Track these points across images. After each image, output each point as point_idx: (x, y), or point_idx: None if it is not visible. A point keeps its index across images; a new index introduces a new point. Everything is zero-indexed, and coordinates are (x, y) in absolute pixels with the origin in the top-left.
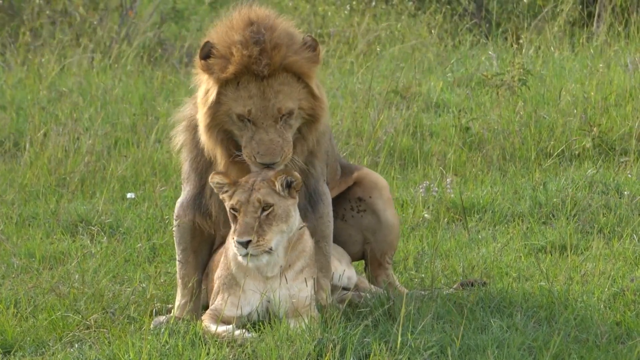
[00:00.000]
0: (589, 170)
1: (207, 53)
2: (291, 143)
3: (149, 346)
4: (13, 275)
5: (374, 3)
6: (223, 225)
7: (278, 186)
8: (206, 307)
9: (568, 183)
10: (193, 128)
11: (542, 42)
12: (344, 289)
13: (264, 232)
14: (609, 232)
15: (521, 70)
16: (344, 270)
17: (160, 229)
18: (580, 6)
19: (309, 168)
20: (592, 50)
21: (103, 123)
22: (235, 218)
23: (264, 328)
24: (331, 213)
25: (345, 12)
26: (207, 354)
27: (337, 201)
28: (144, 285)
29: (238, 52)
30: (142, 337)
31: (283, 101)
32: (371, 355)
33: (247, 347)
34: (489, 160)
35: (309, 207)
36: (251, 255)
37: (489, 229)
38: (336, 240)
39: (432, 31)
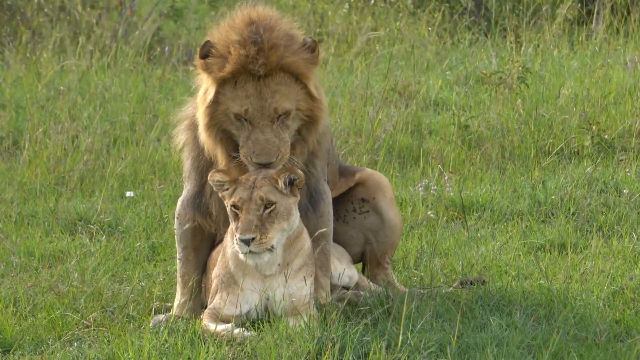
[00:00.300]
0: (588, 169)
1: (206, 52)
2: (288, 143)
3: (148, 345)
4: (12, 274)
5: (372, 1)
6: (223, 224)
7: (281, 184)
8: (203, 306)
9: (567, 181)
10: (194, 127)
11: (541, 40)
12: (345, 288)
13: (266, 230)
14: (608, 231)
15: (520, 68)
16: (344, 269)
17: (160, 227)
18: (580, 4)
19: (310, 167)
20: (591, 49)
21: (102, 121)
22: (236, 216)
23: (263, 327)
24: (332, 212)
25: (344, 10)
26: (207, 352)
27: (338, 203)
28: (143, 284)
29: (236, 52)
30: (142, 335)
31: (280, 101)
32: (370, 354)
33: (246, 346)
34: (488, 159)
35: (310, 206)
36: (253, 253)
37: (488, 228)
38: (337, 242)
39: (431, 29)
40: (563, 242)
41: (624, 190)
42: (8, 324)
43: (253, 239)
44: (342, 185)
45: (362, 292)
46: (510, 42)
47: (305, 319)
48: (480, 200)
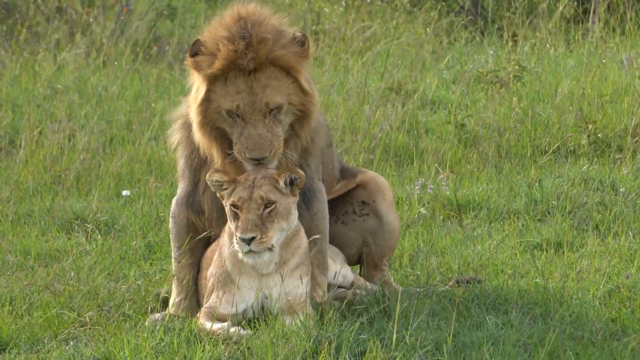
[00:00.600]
0: (585, 167)
1: (196, 50)
2: (281, 138)
3: (144, 344)
4: (8, 273)
5: (369, 0)
6: (216, 222)
7: (282, 183)
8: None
9: (563, 180)
10: (188, 126)
11: (537, 39)
12: (340, 287)
13: (266, 229)
14: (604, 229)
15: (517, 67)
16: (340, 268)
17: (156, 226)
18: (576, 3)
19: (304, 165)
20: (587, 47)
21: (98, 120)
22: (235, 215)
23: (260, 325)
24: (326, 210)
25: (341, 9)
26: (203, 351)
27: (337, 204)
28: (139, 282)
29: (224, 48)
30: (138, 334)
31: (271, 95)
32: (366, 353)
33: (242, 344)
34: (485, 157)
35: (303, 204)
36: (253, 252)
37: (484, 226)
38: (334, 243)
39: (428, 28)
40: (559, 241)
41: (620, 189)
42: (4, 323)
43: (253, 238)
44: (342, 186)
45: (358, 291)
46: (507, 41)
47: (302, 318)
48: (476, 198)
